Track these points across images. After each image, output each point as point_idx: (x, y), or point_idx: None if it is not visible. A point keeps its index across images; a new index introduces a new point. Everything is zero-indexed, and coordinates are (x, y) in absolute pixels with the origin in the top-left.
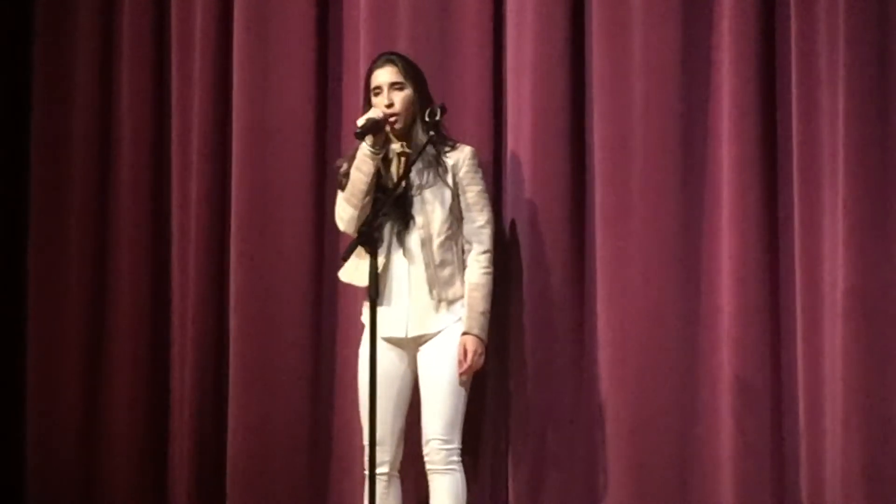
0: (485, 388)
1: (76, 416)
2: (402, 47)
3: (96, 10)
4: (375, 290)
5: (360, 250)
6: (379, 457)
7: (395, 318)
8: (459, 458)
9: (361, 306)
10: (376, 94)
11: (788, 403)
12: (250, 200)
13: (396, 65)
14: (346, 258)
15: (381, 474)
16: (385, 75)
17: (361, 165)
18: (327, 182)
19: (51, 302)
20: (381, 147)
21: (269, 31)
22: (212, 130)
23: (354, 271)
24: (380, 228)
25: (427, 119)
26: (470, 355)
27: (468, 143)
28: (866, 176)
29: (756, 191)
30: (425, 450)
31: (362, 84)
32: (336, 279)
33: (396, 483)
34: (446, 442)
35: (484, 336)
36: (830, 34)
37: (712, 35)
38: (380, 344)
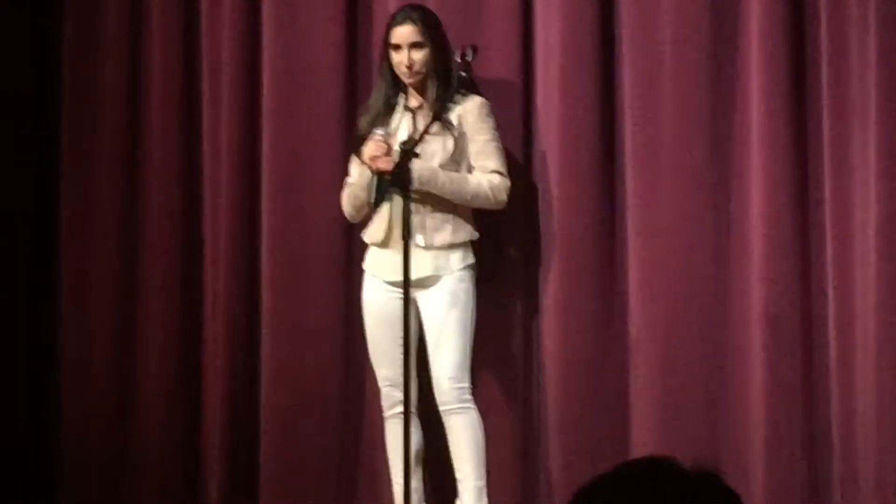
0: (511, 330)
1: (109, 402)
2: (431, 3)
3: None
4: (408, 232)
5: None
6: (396, 397)
7: (395, 261)
8: (472, 397)
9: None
10: (395, 51)
11: (819, 339)
12: (281, 151)
13: (416, 23)
14: (377, 204)
15: (401, 413)
16: (405, 34)
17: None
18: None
19: (82, 285)
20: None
21: None
22: (242, 80)
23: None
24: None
25: (459, 60)
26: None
27: (496, 91)
28: None
29: (786, 127)
30: (436, 391)
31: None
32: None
33: (415, 421)
34: (457, 380)
35: (416, 177)
36: None
37: None
38: (384, 287)
